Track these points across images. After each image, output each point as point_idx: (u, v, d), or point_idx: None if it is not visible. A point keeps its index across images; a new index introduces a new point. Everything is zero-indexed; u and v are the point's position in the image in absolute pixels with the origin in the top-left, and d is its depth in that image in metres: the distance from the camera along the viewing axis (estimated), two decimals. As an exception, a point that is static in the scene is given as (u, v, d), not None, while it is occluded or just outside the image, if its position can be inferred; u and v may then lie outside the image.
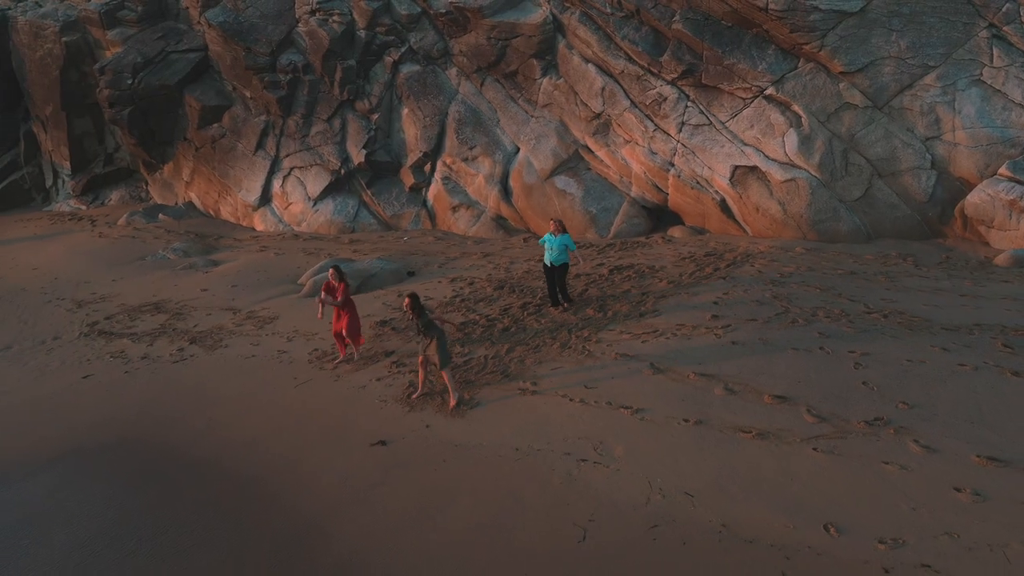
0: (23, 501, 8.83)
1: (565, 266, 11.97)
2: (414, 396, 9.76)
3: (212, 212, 21.83)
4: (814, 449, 7.77)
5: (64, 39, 22.51)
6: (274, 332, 12.80)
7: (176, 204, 22.26)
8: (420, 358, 9.63)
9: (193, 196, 22.15)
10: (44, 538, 7.95)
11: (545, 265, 12.02)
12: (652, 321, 11.18)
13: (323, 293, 11.03)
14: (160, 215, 21.35)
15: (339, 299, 10.93)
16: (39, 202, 24.39)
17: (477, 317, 12.23)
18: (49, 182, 24.51)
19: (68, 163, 23.70)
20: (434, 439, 8.88)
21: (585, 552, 6.79)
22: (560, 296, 12.12)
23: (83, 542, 7.77)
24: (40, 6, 23.60)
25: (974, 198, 14.34)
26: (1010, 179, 14.07)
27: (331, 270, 11.20)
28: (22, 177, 24.43)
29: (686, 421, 8.49)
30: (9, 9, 23.98)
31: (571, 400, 9.23)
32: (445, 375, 9.48)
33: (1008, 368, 9.04)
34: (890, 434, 7.91)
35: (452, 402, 9.42)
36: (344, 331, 10.94)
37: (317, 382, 10.81)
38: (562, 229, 11.89)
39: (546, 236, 11.95)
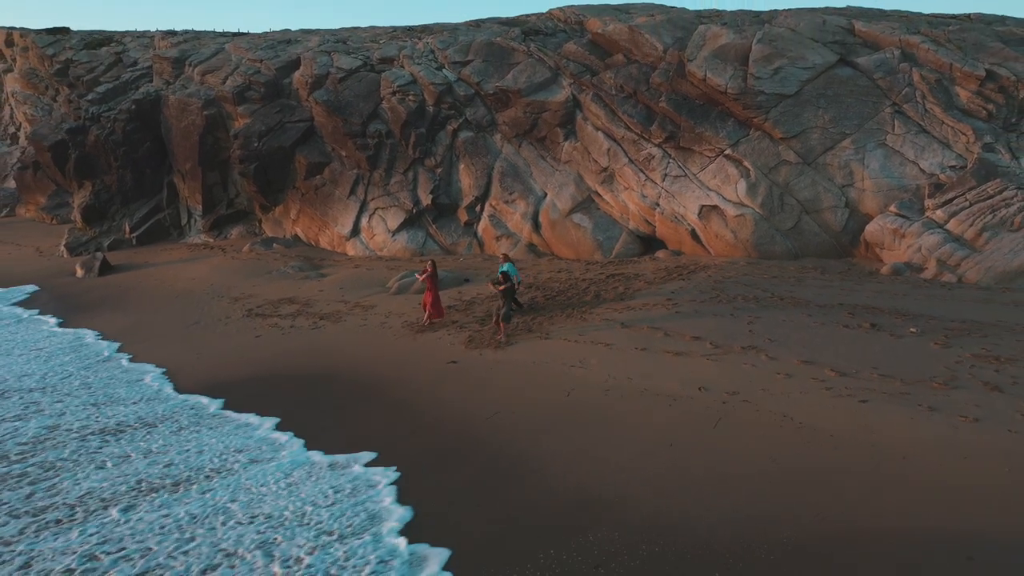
0: (243, 399, 14.84)
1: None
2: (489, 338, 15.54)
3: (313, 242, 28.38)
4: (706, 359, 13.34)
5: (205, 112, 29.71)
6: (376, 313, 18.88)
7: (285, 236, 28.88)
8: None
9: (298, 230, 28.78)
10: (264, 413, 13.94)
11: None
12: (628, 303, 16.92)
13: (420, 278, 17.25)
14: (274, 244, 27.94)
15: (421, 279, 17.05)
16: (175, 236, 31.35)
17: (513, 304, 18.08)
18: (184, 221, 31.53)
19: (200, 206, 30.67)
20: (485, 359, 14.70)
21: (568, 400, 12.46)
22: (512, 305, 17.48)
23: (279, 416, 13.76)
24: (186, 87, 30.99)
25: (871, 227, 19.80)
26: (896, 214, 19.54)
27: (430, 262, 17.33)
28: (164, 217, 31.53)
29: (636, 348, 14.14)
30: (162, 90, 31.44)
31: (568, 341, 14.96)
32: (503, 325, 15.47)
33: (843, 324, 14.50)
34: (754, 352, 13.43)
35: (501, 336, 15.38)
36: (428, 303, 16.93)
37: (408, 337, 16.76)
38: (507, 260, 17.42)
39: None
